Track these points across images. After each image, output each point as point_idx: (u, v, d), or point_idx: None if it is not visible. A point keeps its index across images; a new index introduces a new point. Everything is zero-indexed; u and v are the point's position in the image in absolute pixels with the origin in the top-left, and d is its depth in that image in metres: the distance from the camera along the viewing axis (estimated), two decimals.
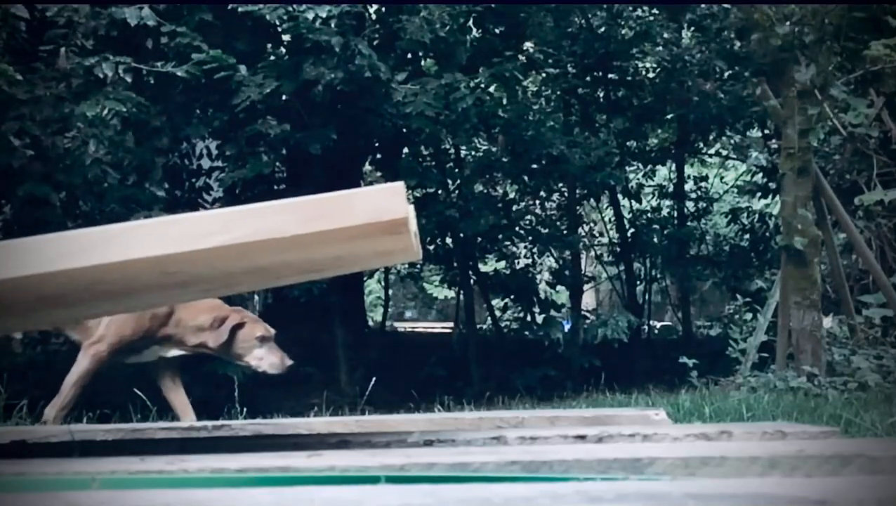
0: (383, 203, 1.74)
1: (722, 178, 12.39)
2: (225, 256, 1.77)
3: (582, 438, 2.30)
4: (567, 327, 9.87)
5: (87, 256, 1.70)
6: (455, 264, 9.54)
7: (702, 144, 10.83)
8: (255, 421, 3.16)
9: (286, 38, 7.71)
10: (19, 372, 6.40)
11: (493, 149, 9.44)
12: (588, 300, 12.81)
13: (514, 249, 10.23)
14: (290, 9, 6.78)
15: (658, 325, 12.68)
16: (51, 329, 5.98)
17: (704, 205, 10.92)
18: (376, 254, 2.02)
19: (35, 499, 1.24)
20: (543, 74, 9.99)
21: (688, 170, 11.19)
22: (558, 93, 9.90)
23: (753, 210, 10.73)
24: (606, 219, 11.49)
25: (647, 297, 10.90)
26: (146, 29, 6.46)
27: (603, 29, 9.37)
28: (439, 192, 9.11)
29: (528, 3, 8.40)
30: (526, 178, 9.45)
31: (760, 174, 10.06)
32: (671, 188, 10.93)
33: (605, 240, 11.73)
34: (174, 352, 4.93)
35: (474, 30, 8.79)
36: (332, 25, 6.79)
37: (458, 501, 1.14)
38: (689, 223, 10.60)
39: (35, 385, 5.96)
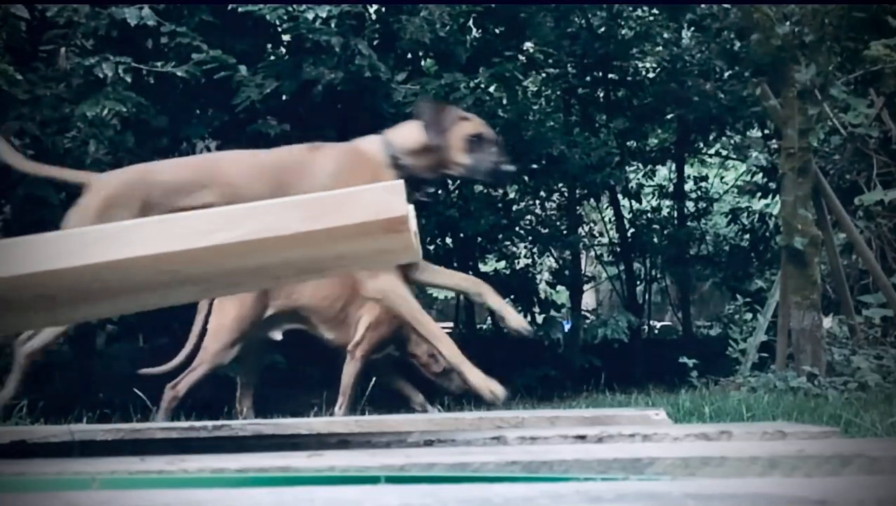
0: (384, 201, 1.74)
1: (722, 178, 12.39)
2: (226, 253, 1.77)
3: (582, 438, 2.30)
4: (567, 327, 9.88)
5: (87, 255, 1.70)
6: (455, 264, 9.53)
7: (702, 144, 10.83)
8: (255, 421, 3.16)
9: (286, 38, 7.70)
10: (19, 372, 6.38)
11: None
12: (588, 300, 12.82)
13: (514, 249, 10.23)
14: (290, 9, 6.78)
15: (658, 325, 12.68)
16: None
17: (704, 205, 10.92)
18: (377, 252, 2.02)
19: (35, 499, 1.24)
20: (543, 74, 9.99)
21: (688, 170, 11.19)
22: (558, 93, 9.91)
23: (753, 210, 10.73)
24: (606, 219, 11.49)
25: (647, 297, 10.91)
26: (146, 29, 6.46)
27: (603, 29, 9.37)
28: (439, 192, 9.11)
29: (528, 3, 8.40)
30: (526, 178, 9.44)
31: (760, 174, 10.06)
32: (671, 188, 10.94)
33: (605, 240, 11.73)
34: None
35: (474, 30, 8.79)
36: (332, 25, 6.79)
37: (458, 501, 1.14)
38: (689, 223, 10.61)
39: (35, 385, 5.96)
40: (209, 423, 2.73)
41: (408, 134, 3.92)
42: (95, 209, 3.67)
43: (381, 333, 5.23)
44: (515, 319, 3.80)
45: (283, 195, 3.77)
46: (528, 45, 9.38)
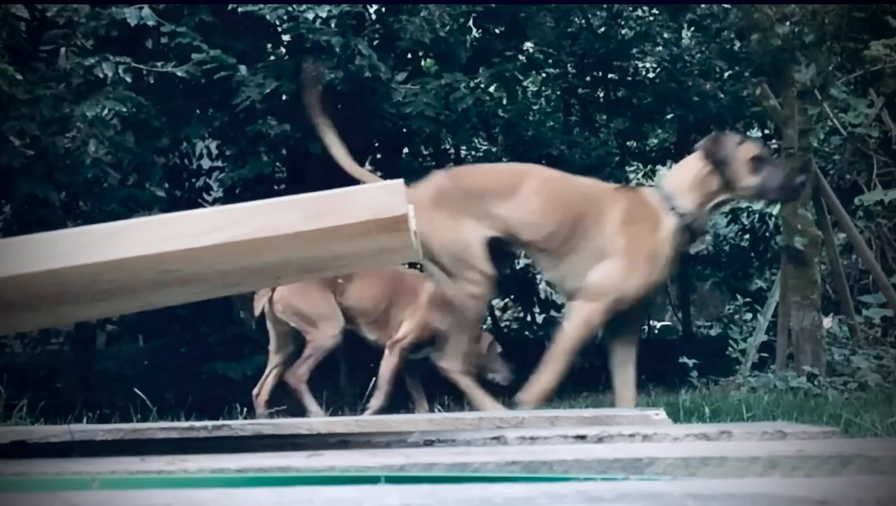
0: (384, 200, 1.74)
1: None
2: (226, 253, 1.77)
3: (582, 438, 2.30)
4: None
5: (87, 254, 1.70)
6: None
7: None
8: (255, 421, 3.16)
9: (286, 38, 7.70)
10: (19, 372, 6.39)
11: (493, 149, 9.43)
12: None
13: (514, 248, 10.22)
14: (290, 9, 6.77)
15: (658, 325, 12.66)
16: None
17: None
18: (377, 252, 2.02)
19: (35, 499, 1.24)
20: (543, 74, 9.99)
21: None
22: (558, 93, 9.90)
23: (753, 210, 10.71)
24: None
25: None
26: (146, 29, 6.46)
27: (603, 29, 9.37)
28: None
29: (528, 3, 8.40)
30: None
31: None
32: None
33: None
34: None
35: (474, 30, 8.78)
36: (332, 25, 6.79)
37: (458, 501, 1.14)
38: None
39: (35, 385, 5.96)
40: (209, 423, 2.73)
41: (683, 174, 4.16)
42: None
43: (421, 335, 5.43)
44: None
45: (577, 224, 4.06)
46: (528, 45, 9.37)
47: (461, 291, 4.04)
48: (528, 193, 4.10)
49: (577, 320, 4.11)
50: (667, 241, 4.04)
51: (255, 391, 5.51)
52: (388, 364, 5.44)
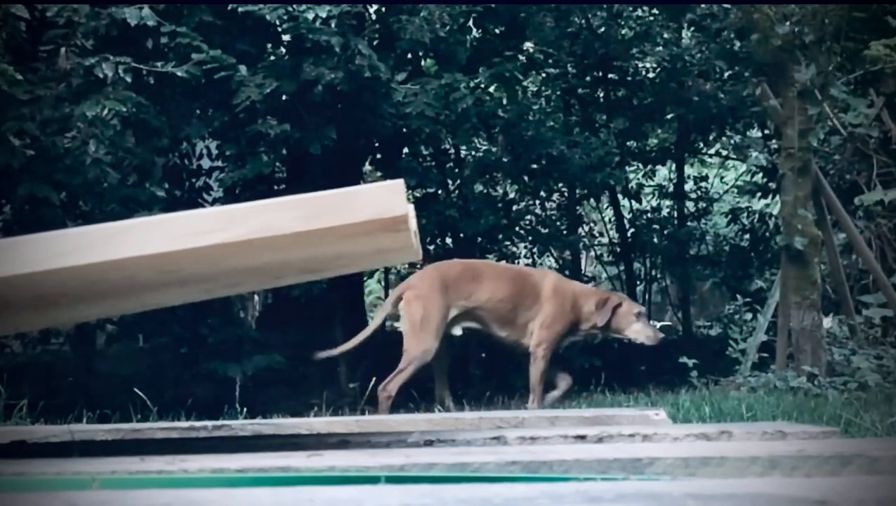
0: (384, 200, 1.74)
1: (722, 178, 12.37)
2: (226, 253, 1.77)
3: (582, 438, 2.30)
4: None
5: (87, 254, 1.70)
6: None
7: (702, 144, 10.81)
8: (255, 421, 3.16)
9: (286, 38, 7.70)
10: (19, 372, 6.39)
11: (493, 149, 9.43)
12: None
13: (514, 249, 10.21)
14: (290, 9, 6.78)
15: (658, 325, 12.65)
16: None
17: (704, 205, 10.90)
18: (376, 252, 2.02)
19: (35, 499, 1.24)
20: (543, 74, 9.99)
21: (688, 170, 11.17)
22: (558, 93, 9.90)
23: (753, 210, 10.71)
24: (606, 219, 11.48)
25: (647, 297, 10.88)
26: (146, 29, 6.45)
27: (603, 29, 9.36)
28: (439, 192, 9.11)
29: (528, 3, 8.40)
30: (526, 178, 9.44)
31: (760, 174, 10.05)
32: (671, 188, 10.92)
33: (605, 240, 11.72)
34: (572, 339, 5.98)
35: (474, 30, 8.78)
36: (332, 25, 6.78)
37: (458, 501, 1.14)
38: (689, 223, 10.59)
39: (35, 385, 5.96)
40: (209, 423, 2.73)
41: None
42: None
43: (555, 331, 5.75)
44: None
45: None
46: (528, 45, 9.37)
47: None
48: None
49: None
50: None
51: (380, 387, 5.65)
52: (534, 370, 5.73)
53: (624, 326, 5.83)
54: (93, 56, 6.19)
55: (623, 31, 9.46)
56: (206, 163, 8.34)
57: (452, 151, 9.54)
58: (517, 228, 9.71)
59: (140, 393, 4.52)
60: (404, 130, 8.04)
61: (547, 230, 9.87)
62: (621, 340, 6.02)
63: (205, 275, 1.99)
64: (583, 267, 11.29)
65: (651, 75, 9.96)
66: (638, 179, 10.74)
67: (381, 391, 5.39)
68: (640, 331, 5.86)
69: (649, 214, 10.69)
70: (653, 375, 7.06)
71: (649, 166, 10.67)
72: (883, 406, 4.28)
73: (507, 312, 5.78)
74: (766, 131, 9.90)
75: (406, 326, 5.57)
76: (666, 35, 9.28)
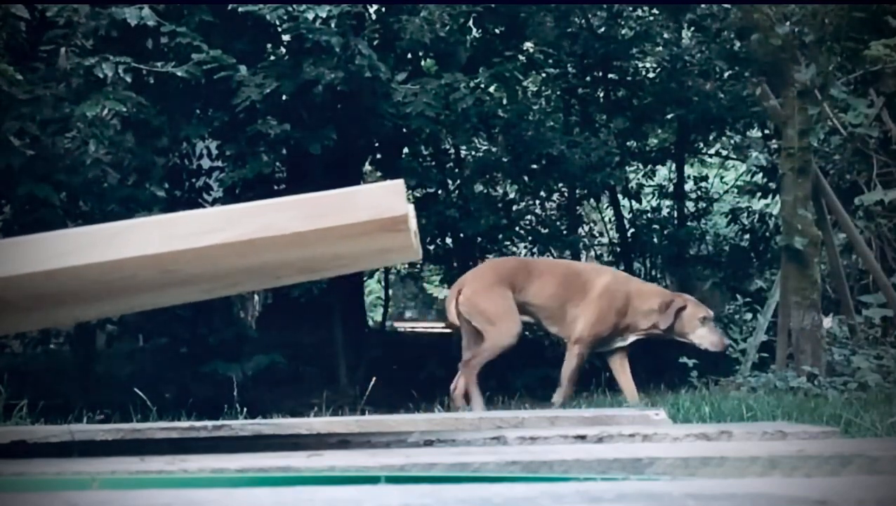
0: (384, 201, 1.74)
1: (722, 178, 12.37)
2: (226, 253, 1.76)
3: (582, 438, 2.30)
4: None
5: (87, 254, 1.70)
6: (455, 264, 9.52)
7: (702, 144, 10.82)
8: (255, 421, 3.16)
9: (286, 38, 7.70)
10: (19, 372, 6.39)
11: (493, 149, 9.43)
12: None
13: (514, 249, 10.22)
14: (290, 9, 6.78)
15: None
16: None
17: (704, 205, 10.90)
18: (376, 252, 2.02)
19: (35, 499, 1.24)
20: (543, 74, 9.99)
21: (688, 170, 11.17)
22: (558, 93, 9.90)
23: (753, 210, 10.71)
24: (606, 219, 11.48)
25: None
26: (146, 29, 6.45)
27: (603, 29, 9.37)
28: (439, 192, 9.11)
29: (528, 3, 8.40)
30: (526, 178, 9.44)
31: (760, 174, 10.05)
32: (671, 188, 10.92)
33: (605, 240, 11.72)
34: (630, 339, 5.87)
35: (474, 30, 8.79)
36: (332, 25, 6.79)
37: (458, 501, 1.14)
38: (689, 223, 10.59)
39: (35, 385, 5.95)
40: (209, 423, 2.73)
41: None
42: None
43: (597, 330, 5.72)
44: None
45: None
46: (528, 45, 9.37)
47: None
48: None
49: None
50: None
51: (451, 386, 5.64)
52: (568, 365, 5.76)
53: (688, 330, 5.74)
54: (93, 56, 6.20)
55: (623, 31, 9.46)
56: (206, 163, 8.34)
57: (452, 151, 9.55)
58: (517, 228, 9.71)
59: (140, 393, 4.52)
60: (404, 130, 8.04)
61: (547, 230, 9.87)
62: (685, 343, 5.92)
63: (205, 275, 1.99)
64: None
65: (651, 75, 9.96)
66: (638, 179, 10.74)
67: (463, 367, 5.45)
68: (704, 336, 5.75)
69: (649, 214, 10.69)
70: (653, 375, 7.06)
71: (649, 166, 10.67)
72: (883, 406, 4.27)
73: (556, 308, 5.79)
74: (766, 131, 9.90)
75: (480, 322, 5.59)
76: (666, 35, 9.28)
